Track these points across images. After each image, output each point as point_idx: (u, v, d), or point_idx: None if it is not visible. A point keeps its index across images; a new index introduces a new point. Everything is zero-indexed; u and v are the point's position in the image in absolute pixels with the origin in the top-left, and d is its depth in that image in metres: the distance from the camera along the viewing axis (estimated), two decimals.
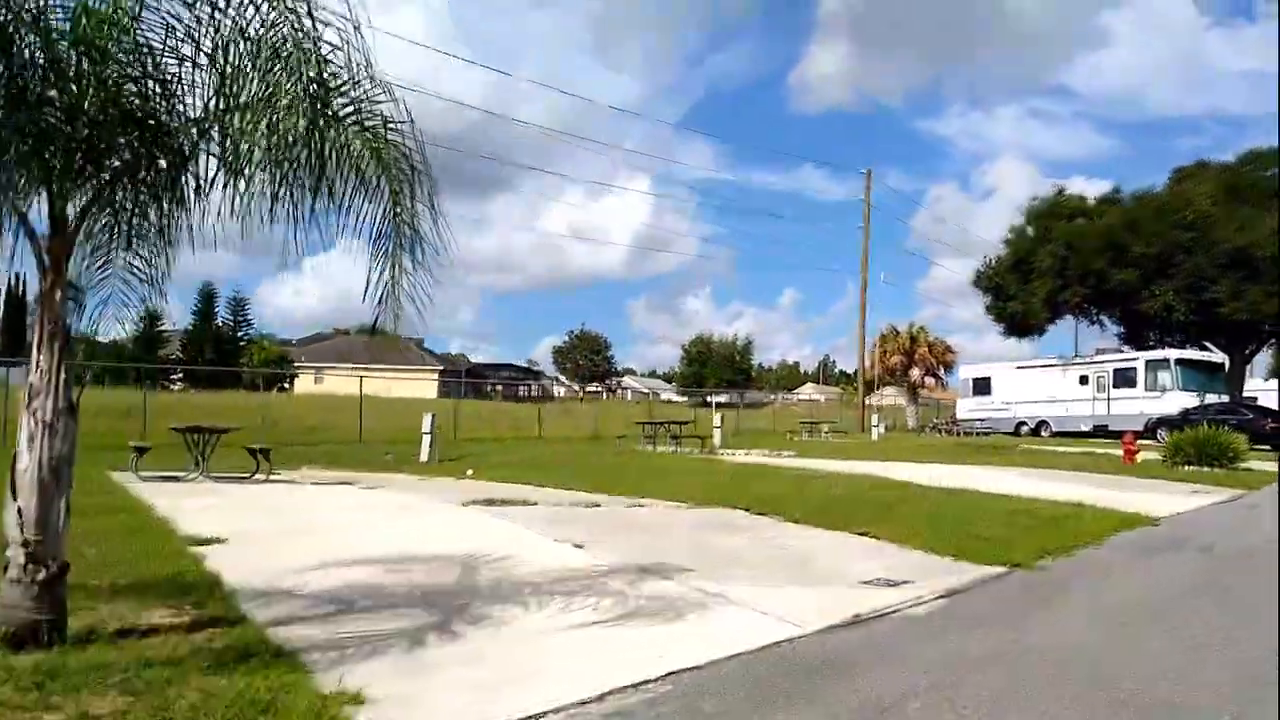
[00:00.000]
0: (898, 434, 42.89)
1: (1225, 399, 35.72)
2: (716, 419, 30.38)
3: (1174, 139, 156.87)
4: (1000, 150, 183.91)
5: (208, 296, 66.88)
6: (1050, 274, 37.79)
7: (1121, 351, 38.78)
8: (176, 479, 13.22)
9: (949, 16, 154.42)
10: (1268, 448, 30.75)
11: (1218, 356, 37.58)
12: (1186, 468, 19.56)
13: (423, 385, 74.03)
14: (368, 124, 5.90)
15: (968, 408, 43.91)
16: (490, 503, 10.73)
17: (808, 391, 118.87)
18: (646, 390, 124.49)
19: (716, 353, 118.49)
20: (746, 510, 11.11)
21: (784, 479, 15.07)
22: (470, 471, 17.32)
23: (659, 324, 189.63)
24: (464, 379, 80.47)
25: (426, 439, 21.42)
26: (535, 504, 10.94)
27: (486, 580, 6.94)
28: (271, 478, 13.56)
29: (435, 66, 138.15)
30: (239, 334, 69.35)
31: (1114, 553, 9.07)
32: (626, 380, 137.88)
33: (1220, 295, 35.46)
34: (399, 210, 6.02)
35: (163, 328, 67.04)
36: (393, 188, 5.94)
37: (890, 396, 65.08)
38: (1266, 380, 67.68)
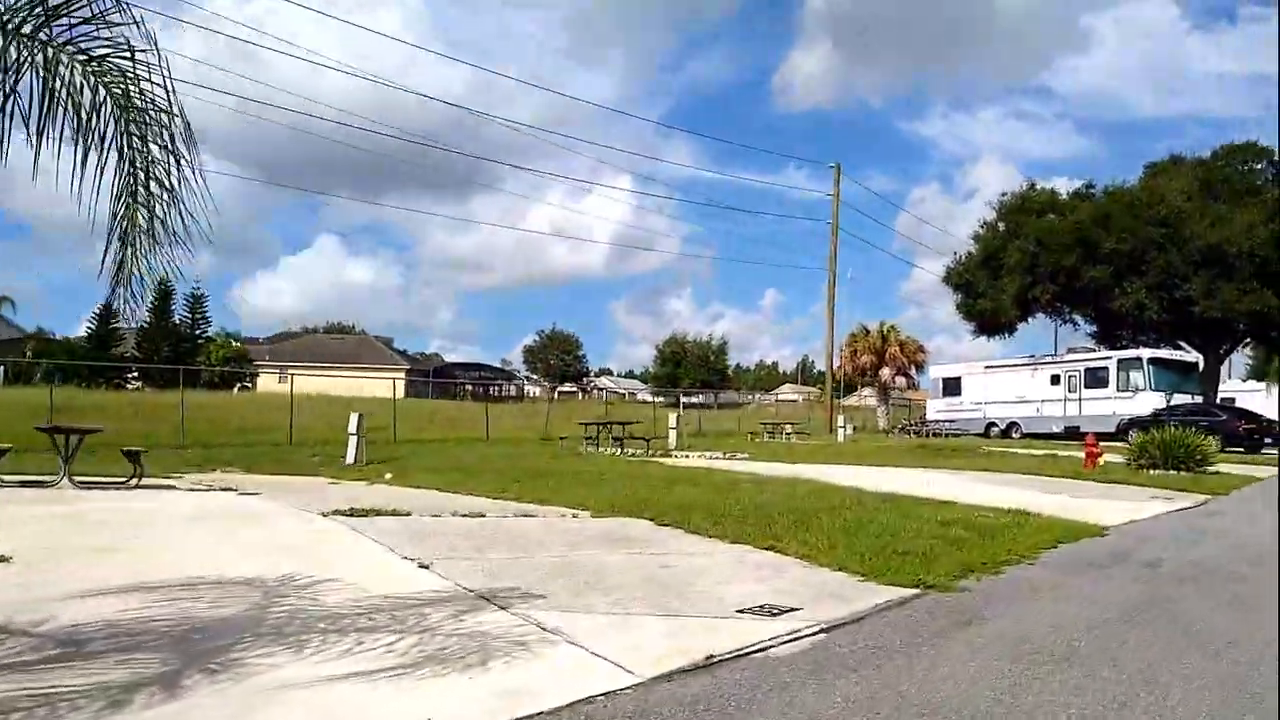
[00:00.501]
0: (866, 435, 41.92)
1: (1199, 400, 34.94)
2: (672, 419, 29.32)
3: (1155, 141, 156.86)
4: (982, 151, 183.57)
5: (164, 293, 65.14)
6: (1020, 271, 36.90)
7: (1093, 351, 37.96)
8: (40, 484, 12.00)
9: (930, 17, 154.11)
10: (1241, 450, 29.99)
11: (1191, 356, 36.79)
12: (1151, 471, 18.62)
13: (390, 385, 72.83)
14: (95, 52, 4.76)
15: (937, 409, 43.05)
16: (354, 513, 9.54)
17: (786, 392, 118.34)
18: (622, 390, 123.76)
19: (691, 353, 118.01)
20: (653, 520, 10.00)
21: (715, 484, 13.97)
22: (389, 475, 16.18)
23: (640, 325, 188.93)
24: (431, 379, 79.51)
25: (353, 440, 20.25)
26: (409, 514, 9.75)
27: (282, 611, 5.79)
28: (144, 483, 12.34)
29: (414, 66, 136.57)
30: (197, 331, 67.64)
31: (1049, 570, 8.01)
32: (602, 380, 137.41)
33: (1193, 293, 34.66)
34: (138, 161, 4.88)
35: (117, 324, 65.62)
36: (126, 129, 4.80)
37: (869, 397, 64.07)
38: (1245, 381, 66.83)
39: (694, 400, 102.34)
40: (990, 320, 40.17)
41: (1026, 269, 36.59)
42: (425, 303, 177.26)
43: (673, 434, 28.90)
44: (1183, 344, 39.59)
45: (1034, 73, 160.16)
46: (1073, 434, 34.63)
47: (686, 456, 25.26)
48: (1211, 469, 18.78)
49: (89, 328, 64.60)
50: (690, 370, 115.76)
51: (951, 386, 42.35)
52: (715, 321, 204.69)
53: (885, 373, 50.53)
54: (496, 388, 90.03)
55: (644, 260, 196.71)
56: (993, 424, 39.78)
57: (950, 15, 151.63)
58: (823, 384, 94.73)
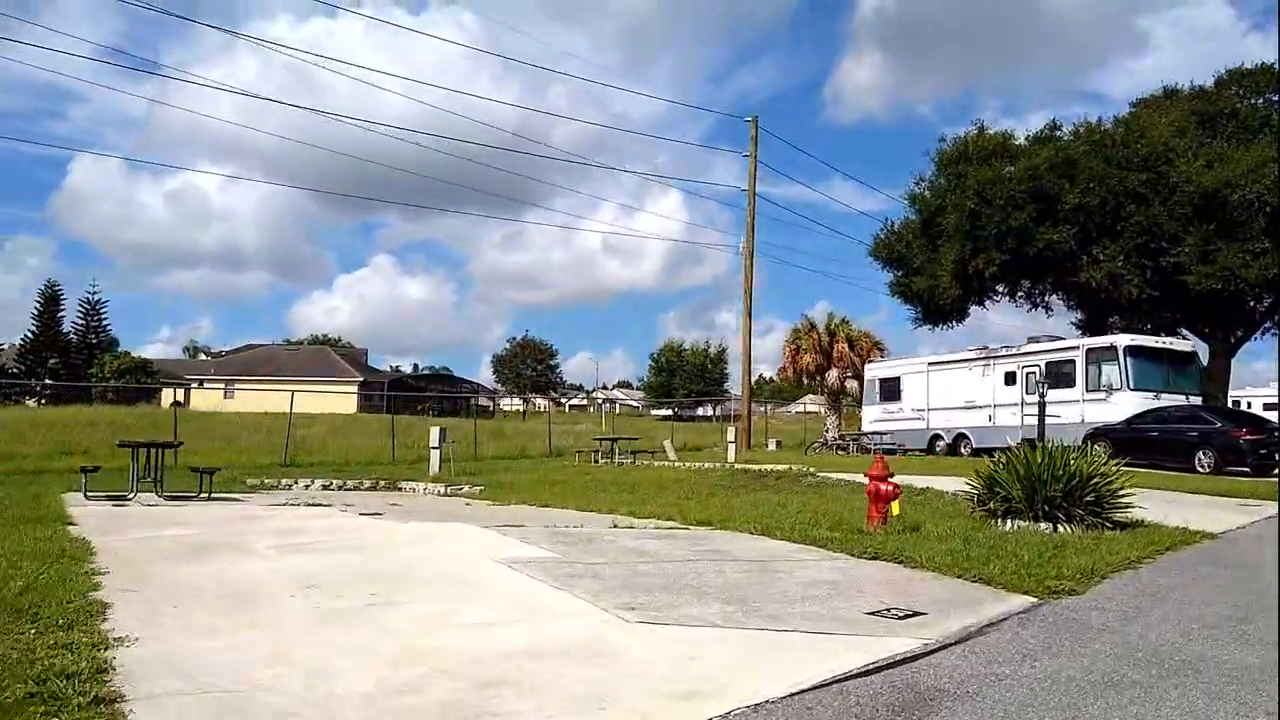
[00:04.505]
0: (785, 452, 33.44)
1: (1198, 401, 26.08)
2: (433, 437, 21.08)
3: None
4: None
5: (50, 298, 58.35)
6: (959, 236, 28.17)
7: (1059, 339, 29.05)
8: None
9: (981, 23, 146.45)
10: (1246, 469, 21.25)
11: (1185, 345, 27.76)
12: (1007, 524, 10.21)
13: (343, 400, 66.84)
14: None
15: (874, 417, 34.33)
16: None
17: (807, 402, 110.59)
18: (635, 404, 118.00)
19: (689, 362, 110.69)
20: None
21: None
22: None
23: (687, 338, 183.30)
24: (386, 392, 74.46)
25: None
26: None
27: None
28: None
29: (468, 82, 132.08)
30: (92, 340, 60.74)
31: None
32: (615, 393, 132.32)
33: (1183, 258, 25.77)
34: None
35: None
36: None
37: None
38: None
39: (697, 413, 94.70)
40: (931, 303, 31.35)
41: (966, 233, 27.85)
42: (477, 319, 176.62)
43: (434, 456, 20.82)
44: (1185, 331, 30.60)
45: (1084, 76, 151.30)
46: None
47: (412, 492, 17.54)
48: (1118, 516, 10.32)
49: None
50: (686, 380, 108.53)
51: (890, 389, 33.64)
52: (766, 334, 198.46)
53: (833, 375, 41.73)
54: (463, 402, 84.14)
55: (695, 274, 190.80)
56: (938, 436, 31.09)
57: (1001, 18, 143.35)
58: (843, 394, 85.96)
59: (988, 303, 32.77)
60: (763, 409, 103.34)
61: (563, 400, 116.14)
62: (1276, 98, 28.98)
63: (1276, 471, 20.41)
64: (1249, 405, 46.91)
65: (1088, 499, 10.08)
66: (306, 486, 17.88)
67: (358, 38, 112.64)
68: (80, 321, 60.08)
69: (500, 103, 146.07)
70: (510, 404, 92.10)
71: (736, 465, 22.63)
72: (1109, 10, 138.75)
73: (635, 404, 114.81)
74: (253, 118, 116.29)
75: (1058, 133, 29.73)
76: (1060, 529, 9.91)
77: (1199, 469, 21.12)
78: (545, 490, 16.07)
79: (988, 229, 27.07)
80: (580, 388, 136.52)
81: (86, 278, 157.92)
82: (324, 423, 37.96)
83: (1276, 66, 28.32)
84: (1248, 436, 21.23)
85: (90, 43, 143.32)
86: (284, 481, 17.91)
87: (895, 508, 9.63)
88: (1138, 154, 26.25)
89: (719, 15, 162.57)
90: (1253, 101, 28.95)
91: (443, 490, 16.97)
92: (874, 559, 8.07)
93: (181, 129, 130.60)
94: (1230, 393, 37.70)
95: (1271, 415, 34.98)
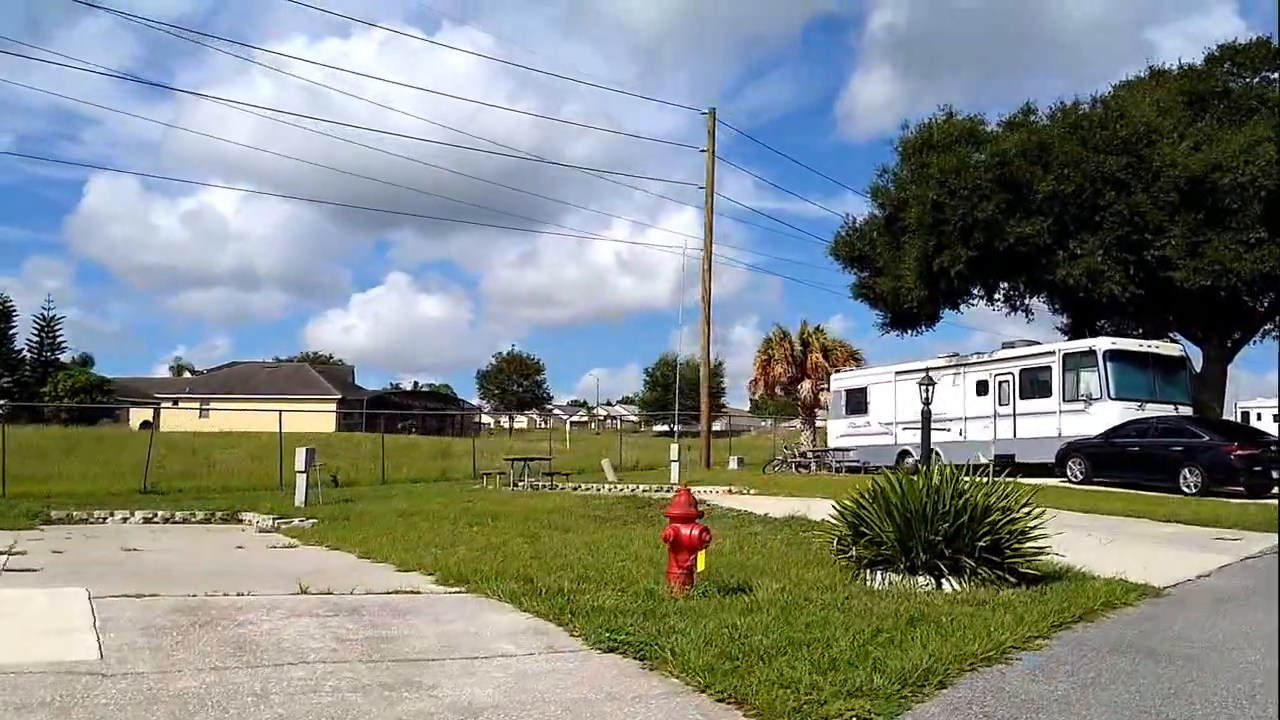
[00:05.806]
0: (744, 471, 30.65)
1: (1188, 411, 23.26)
2: (299, 460, 18.33)
3: None
4: None
5: (0, 314, 56.08)
6: (922, 231, 25.43)
7: (1035, 344, 26.24)
8: None
9: (990, 38, 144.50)
10: (1240, 488, 18.43)
11: (1174, 349, 24.91)
12: (878, 577, 7.50)
13: (321, 418, 64.59)
14: None
15: (839, 432, 31.54)
16: None
17: (818, 417, 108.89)
18: (635, 419, 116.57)
19: (684, 376, 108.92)
20: None
21: None
22: None
23: (697, 354, 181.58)
24: (365, 410, 72.38)
25: None
26: None
27: None
28: None
29: (481, 103, 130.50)
30: (44, 357, 58.39)
31: None
32: (619, 409, 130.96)
33: (1169, 251, 22.95)
34: None
35: None
36: None
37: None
38: None
39: (700, 428, 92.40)
40: (897, 306, 28.51)
41: (930, 227, 25.09)
42: (490, 337, 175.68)
43: (300, 482, 18.12)
44: (1178, 334, 27.70)
45: (1096, 89, 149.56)
46: (1007, 465, 23.00)
47: (245, 525, 14.92)
48: (1029, 568, 7.58)
49: None
50: (682, 394, 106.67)
51: (856, 401, 30.84)
52: None
53: (805, 387, 39.15)
54: (450, 420, 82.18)
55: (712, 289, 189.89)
56: (906, 452, 28.17)
57: (1009, 32, 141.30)
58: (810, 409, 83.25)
59: (963, 306, 29.95)
60: (767, 423, 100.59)
61: (556, 412, 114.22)
62: (1275, 75, 26.18)
63: (1276, 491, 17.62)
64: (1259, 417, 43.88)
65: (981, 543, 7.33)
66: (125, 519, 15.26)
67: (369, 58, 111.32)
68: (35, 338, 57.74)
69: (506, 109, 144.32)
70: (511, 421, 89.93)
71: (666, 489, 19.80)
72: (1119, 22, 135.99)
73: (636, 419, 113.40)
74: (264, 139, 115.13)
75: (1032, 117, 26.95)
76: (945, 585, 7.19)
77: (1184, 489, 18.33)
78: (391, 523, 13.42)
79: (952, 222, 24.31)
80: (584, 404, 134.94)
81: (100, 299, 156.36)
82: (255, 442, 35.36)
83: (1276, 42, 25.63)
84: (1240, 452, 18.37)
85: (95, 66, 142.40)
86: (97, 514, 15.29)
87: (701, 561, 6.90)
88: (1117, 135, 23.47)
89: (729, 32, 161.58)
90: (1247, 80, 26.14)
91: (270, 524, 14.31)
92: (611, 650, 5.35)
93: (195, 151, 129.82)
94: (1238, 403, 34.61)
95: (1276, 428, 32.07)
